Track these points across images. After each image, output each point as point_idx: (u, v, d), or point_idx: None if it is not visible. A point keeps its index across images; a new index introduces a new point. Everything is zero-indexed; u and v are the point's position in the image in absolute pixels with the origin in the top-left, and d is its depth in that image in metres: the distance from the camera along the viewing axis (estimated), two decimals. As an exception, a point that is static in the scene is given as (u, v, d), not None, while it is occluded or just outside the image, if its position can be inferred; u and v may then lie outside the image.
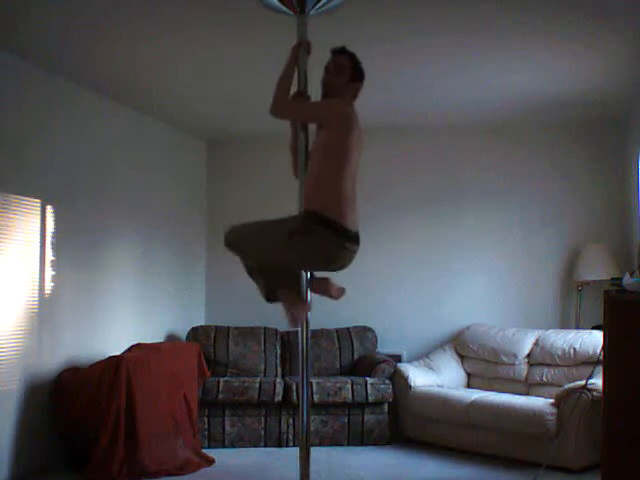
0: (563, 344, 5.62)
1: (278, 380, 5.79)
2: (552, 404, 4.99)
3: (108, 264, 5.59)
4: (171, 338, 6.43)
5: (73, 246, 5.18)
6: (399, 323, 6.56)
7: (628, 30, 4.11)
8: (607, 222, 6.14)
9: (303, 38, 3.24)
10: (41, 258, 4.88)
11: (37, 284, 4.83)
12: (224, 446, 5.66)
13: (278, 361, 6.28)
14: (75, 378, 4.85)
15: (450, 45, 4.41)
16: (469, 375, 6.15)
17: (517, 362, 5.81)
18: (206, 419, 5.68)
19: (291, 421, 5.72)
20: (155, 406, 4.85)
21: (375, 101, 5.54)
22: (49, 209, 4.95)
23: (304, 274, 3.19)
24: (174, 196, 6.54)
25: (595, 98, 5.50)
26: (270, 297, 3.26)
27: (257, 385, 5.69)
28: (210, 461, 5.11)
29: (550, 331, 5.86)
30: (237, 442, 5.69)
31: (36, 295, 4.82)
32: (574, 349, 5.54)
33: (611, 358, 3.34)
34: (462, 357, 6.21)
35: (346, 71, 3.21)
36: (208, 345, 6.15)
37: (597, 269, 5.83)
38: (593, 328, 5.65)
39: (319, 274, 3.29)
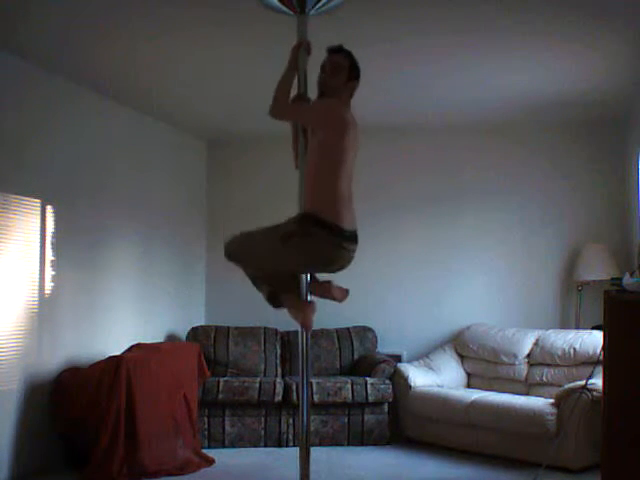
0: (563, 344, 5.62)
1: (278, 380, 5.79)
2: (552, 404, 4.99)
3: (108, 264, 5.59)
4: (171, 338, 6.43)
5: (73, 246, 5.18)
6: (399, 323, 6.56)
7: (628, 30, 4.11)
8: (607, 222, 6.14)
9: (303, 38, 3.24)
10: (41, 258, 4.88)
11: (37, 284, 4.83)
12: (224, 446, 5.66)
13: (278, 361, 6.28)
14: (75, 378, 4.85)
15: (450, 45, 4.41)
16: (469, 375, 6.15)
17: (517, 362, 5.81)
18: (206, 419, 5.68)
19: (291, 421, 5.72)
20: (155, 406, 4.85)
21: (375, 101, 5.54)
22: (49, 209, 4.95)
23: (304, 277, 3.20)
24: (174, 196, 6.54)
25: (595, 98, 5.50)
26: (275, 303, 3.27)
27: (257, 385, 5.69)
28: (210, 461, 5.11)
29: (550, 331, 5.86)
30: (237, 442, 5.69)
31: (36, 295, 4.82)
32: (574, 349, 5.54)
33: (611, 358, 3.34)
34: (462, 357, 6.21)
35: (343, 71, 3.18)
36: (208, 345, 6.15)
37: (597, 269, 5.83)
38: (593, 328, 5.65)
39: (321, 277, 3.30)
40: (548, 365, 5.70)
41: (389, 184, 6.63)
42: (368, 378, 5.81)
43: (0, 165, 4.52)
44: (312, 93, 3.25)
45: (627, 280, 3.44)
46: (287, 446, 5.69)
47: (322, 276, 3.32)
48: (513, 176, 6.41)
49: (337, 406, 5.76)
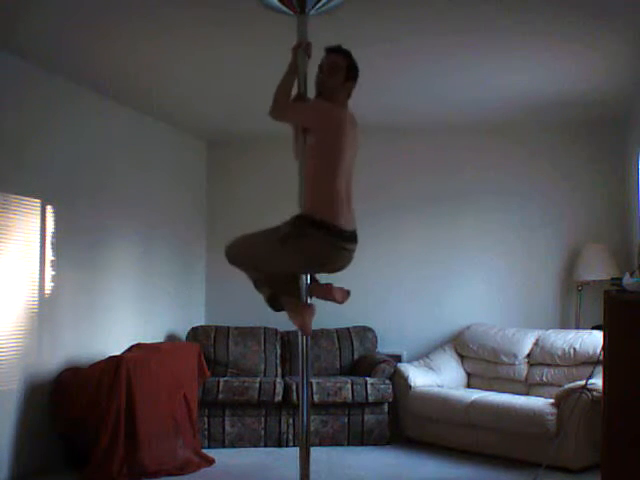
0: (563, 344, 5.62)
1: (278, 380, 5.79)
2: (552, 404, 4.99)
3: (108, 264, 5.59)
4: (171, 338, 6.43)
5: (73, 246, 5.18)
6: (399, 323, 6.56)
7: (628, 30, 4.11)
8: (607, 222, 6.14)
9: (303, 38, 3.23)
10: (41, 258, 4.88)
11: (37, 284, 4.83)
12: (224, 446, 5.66)
13: (278, 361, 6.28)
14: (75, 378, 4.85)
15: (450, 45, 4.41)
16: (469, 375, 6.15)
17: (517, 362, 5.81)
18: (206, 419, 5.68)
19: (291, 421, 5.72)
20: (155, 406, 4.85)
21: (375, 101, 5.54)
22: (49, 209, 4.95)
23: (304, 279, 3.20)
24: (174, 196, 6.54)
25: (595, 98, 5.50)
26: (275, 306, 3.27)
27: (257, 385, 5.69)
28: (210, 461, 5.11)
29: (550, 331, 5.86)
30: (237, 442, 5.69)
31: (36, 295, 4.82)
32: (574, 349, 5.54)
33: (611, 358, 3.34)
34: (462, 357, 6.21)
35: (341, 71, 3.17)
36: (208, 345, 6.15)
37: (597, 269, 5.83)
38: (593, 328, 5.65)
39: (322, 279, 3.30)
40: (548, 365, 5.70)
41: (389, 184, 6.63)
42: (368, 378, 5.81)
43: (0, 165, 4.52)
44: (312, 94, 3.25)
45: (627, 280, 3.44)
46: (287, 446, 5.69)
47: (323, 278, 3.33)
48: (513, 176, 6.41)
49: (337, 406, 5.76)
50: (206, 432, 5.66)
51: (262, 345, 6.26)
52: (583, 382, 4.71)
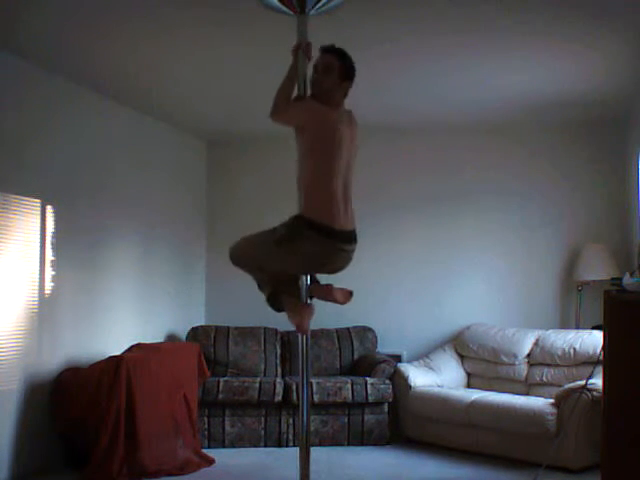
0: (563, 344, 5.62)
1: (278, 380, 5.79)
2: (552, 404, 4.99)
3: (108, 264, 5.58)
4: (171, 338, 6.43)
5: (73, 246, 5.18)
6: (399, 323, 6.56)
7: (628, 30, 4.11)
8: (607, 222, 6.14)
9: (302, 39, 3.23)
10: (41, 258, 4.88)
11: (37, 284, 4.83)
12: (224, 446, 5.66)
13: (278, 361, 6.28)
14: (75, 378, 4.85)
15: (450, 45, 4.41)
16: (469, 375, 6.15)
17: (517, 362, 5.82)
18: (206, 419, 5.68)
19: (291, 421, 5.72)
20: (155, 406, 4.85)
21: (375, 101, 5.54)
22: (49, 209, 4.95)
23: (303, 280, 3.21)
24: (174, 196, 6.54)
25: (595, 98, 5.50)
26: (275, 305, 3.28)
27: (257, 385, 5.69)
28: (210, 461, 5.11)
29: (550, 331, 5.86)
30: (237, 442, 5.69)
31: (36, 295, 4.82)
32: (574, 349, 5.54)
33: (611, 358, 3.34)
34: (462, 357, 6.21)
35: (334, 71, 3.15)
36: (208, 345, 6.15)
37: (597, 269, 5.83)
38: (593, 328, 5.65)
39: (322, 280, 3.30)
40: (548, 365, 5.70)
41: (389, 184, 6.63)
42: (368, 378, 5.81)
43: (0, 165, 4.52)
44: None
45: (627, 280, 3.44)
46: (287, 446, 5.69)
47: (323, 278, 3.33)
48: (513, 176, 6.41)
49: (337, 406, 5.76)
50: (206, 432, 5.66)
51: (262, 345, 6.26)
52: (583, 382, 4.72)
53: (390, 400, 5.80)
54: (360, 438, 5.77)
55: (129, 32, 4.21)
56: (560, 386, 5.23)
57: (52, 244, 4.98)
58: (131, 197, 5.87)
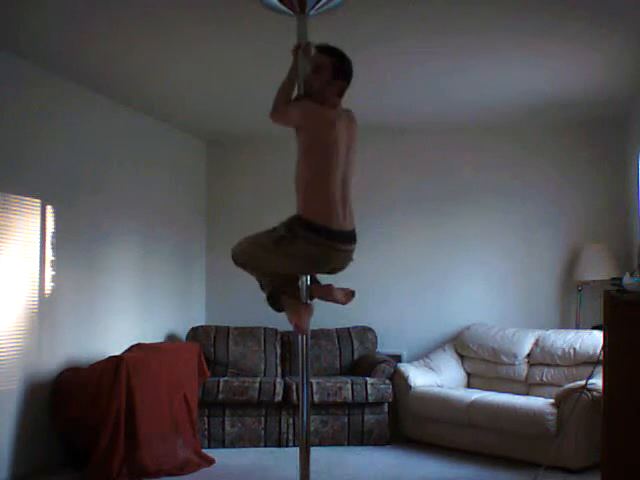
0: (563, 344, 5.62)
1: (278, 380, 5.79)
2: (552, 404, 4.99)
3: (108, 264, 5.58)
4: (171, 338, 6.43)
5: (73, 246, 5.18)
6: (399, 323, 6.56)
7: (628, 30, 4.11)
8: (607, 222, 6.14)
9: (302, 39, 3.23)
10: (41, 258, 4.88)
11: (37, 284, 4.83)
12: (224, 446, 5.66)
13: (278, 361, 6.28)
14: (75, 378, 4.85)
15: (450, 45, 4.41)
16: (469, 375, 6.15)
17: (517, 362, 5.82)
18: (206, 419, 5.68)
19: (291, 421, 5.72)
20: (155, 406, 4.85)
21: (375, 101, 5.54)
22: (49, 209, 4.95)
23: (303, 280, 3.20)
24: (174, 196, 6.54)
25: (595, 98, 5.49)
26: (275, 305, 3.28)
27: (257, 385, 5.69)
28: (210, 461, 5.11)
29: (550, 331, 5.86)
30: (237, 442, 5.69)
31: (36, 295, 4.82)
32: (574, 349, 5.54)
33: (611, 358, 3.34)
34: (462, 357, 6.21)
35: (326, 70, 3.12)
36: (208, 345, 6.15)
37: (597, 269, 5.83)
38: (593, 328, 5.65)
39: (323, 280, 3.30)
40: (548, 365, 5.70)
41: (389, 184, 6.63)
42: (368, 378, 5.81)
43: (0, 165, 4.52)
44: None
45: (627, 280, 3.44)
46: (287, 446, 5.69)
47: (323, 278, 3.33)
48: (513, 176, 6.41)
49: (337, 406, 5.76)
50: (206, 432, 5.66)
51: (262, 345, 6.26)
52: (583, 382, 4.71)
53: (390, 400, 5.80)
54: (360, 438, 5.77)
55: (129, 32, 4.21)
56: (560, 386, 5.23)
57: (52, 244, 4.97)
58: (131, 197, 5.87)
